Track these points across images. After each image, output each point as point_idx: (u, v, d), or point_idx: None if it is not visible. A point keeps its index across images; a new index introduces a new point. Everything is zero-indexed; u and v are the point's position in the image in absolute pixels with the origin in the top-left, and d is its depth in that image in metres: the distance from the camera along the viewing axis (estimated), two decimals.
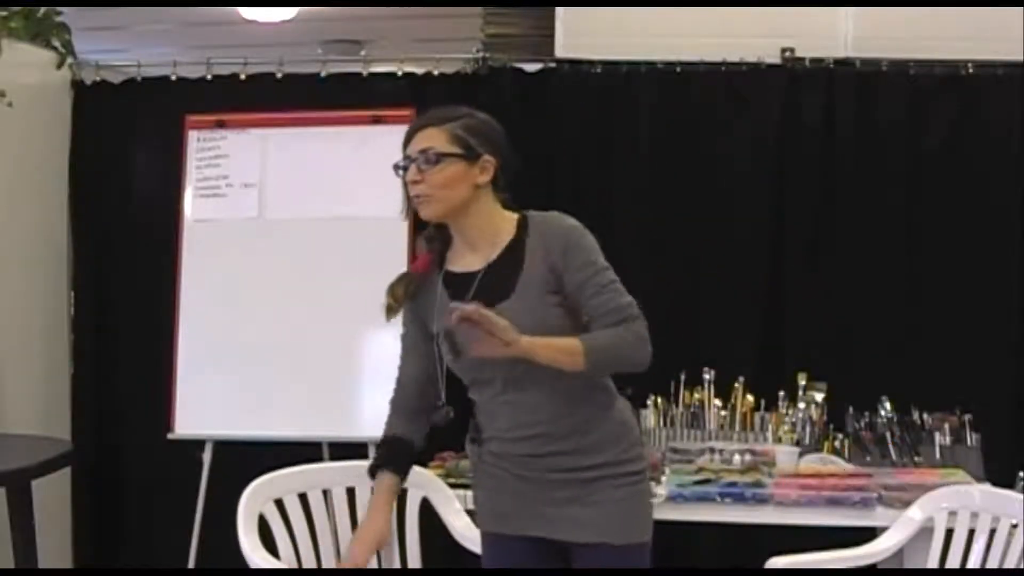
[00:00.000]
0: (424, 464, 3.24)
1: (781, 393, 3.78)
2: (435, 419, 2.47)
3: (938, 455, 3.59)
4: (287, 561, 2.78)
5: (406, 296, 2.42)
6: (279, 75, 4.33)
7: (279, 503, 2.84)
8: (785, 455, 3.45)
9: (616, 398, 2.42)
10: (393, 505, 2.51)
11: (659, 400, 3.73)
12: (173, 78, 4.37)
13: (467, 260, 2.40)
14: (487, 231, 2.37)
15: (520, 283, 2.31)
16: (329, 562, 2.91)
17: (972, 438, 3.62)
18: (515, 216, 2.39)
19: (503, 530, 2.43)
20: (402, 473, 2.51)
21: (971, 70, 4.01)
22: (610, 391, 2.41)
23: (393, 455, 2.51)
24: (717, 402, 3.76)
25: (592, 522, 2.31)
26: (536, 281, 2.30)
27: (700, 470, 3.38)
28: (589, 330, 2.29)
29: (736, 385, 3.77)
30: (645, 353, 2.31)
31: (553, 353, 2.23)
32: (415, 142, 2.36)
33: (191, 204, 4.11)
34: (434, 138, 2.34)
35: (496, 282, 2.32)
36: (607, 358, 2.28)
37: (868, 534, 3.14)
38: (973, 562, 2.93)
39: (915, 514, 3.05)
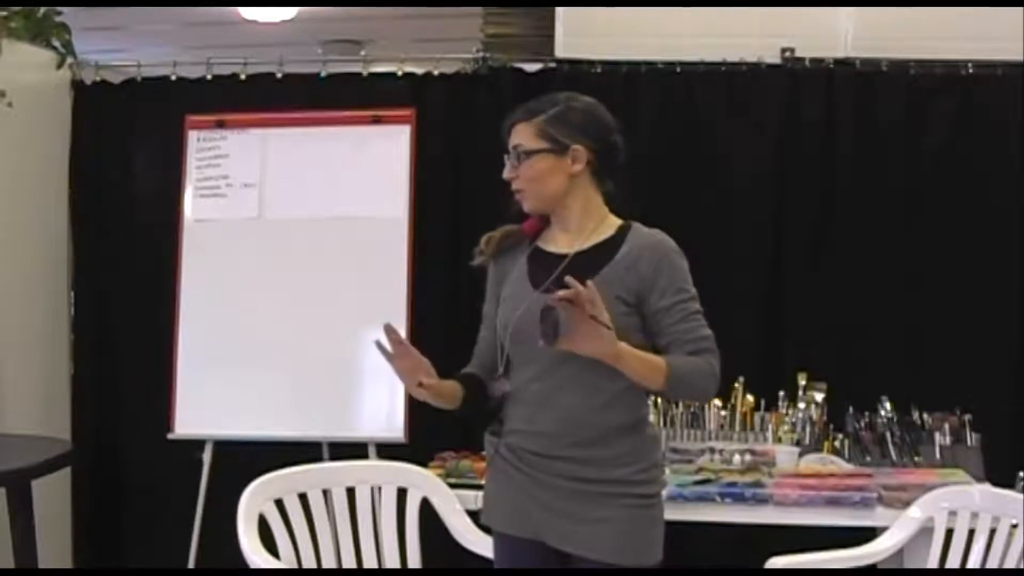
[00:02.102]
0: (424, 464, 3.25)
1: (781, 393, 3.78)
2: (494, 388, 2.46)
3: (938, 455, 3.59)
4: (287, 561, 2.78)
5: (498, 247, 2.46)
6: (279, 75, 4.33)
7: (279, 503, 2.84)
8: (785, 455, 3.45)
9: (645, 420, 2.40)
10: (446, 387, 2.39)
11: (659, 400, 3.73)
12: (173, 78, 4.38)
13: (559, 242, 2.42)
14: (585, 219, 2.39)
15: (599, 277, 2.30)
16: (329, 562, 2.91)
17: (972, 438, 3.61)
18: (619, 221, 2.41)
19: (509, 530, 2.43)
20: (466, 386, 2.43)
21: (971, 70, 4.01)
22: (639, 411, 2.38)
23: (460, 373, 2.48)
24: (717, 402, 3.75)
25: (591, 538, 2.30)
26: (613, 281, 2.30)
27: (700, 470, 3.38)
28: (661, 352, 2.29)
29: (736, 385, 3.77)
30: (715, 388, 2.33)
31: (639, 364, 2.23)
32: (510, 137, 2.38)
33: (191, 204, 4.11)
34: (523, 134, 2.36)
35: (578, 269, 2.32)
36: (684, 384, 2.28)
37: (868, 534, 3.14)
38: (973, 562, 2.93)
39: (915, 514, 3.06)
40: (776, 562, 2.96)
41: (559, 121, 2.35)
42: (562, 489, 2.32)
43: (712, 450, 3.53)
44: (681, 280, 2.34)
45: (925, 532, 3.02)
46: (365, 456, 3.83)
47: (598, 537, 2.29)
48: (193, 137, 4.15)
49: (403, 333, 3.78)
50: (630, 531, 2.31)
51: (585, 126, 2.36)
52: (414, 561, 2.98)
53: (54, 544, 4.18)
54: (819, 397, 3.73)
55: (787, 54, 4.14)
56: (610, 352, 2.16)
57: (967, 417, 3.65)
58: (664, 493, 3.15)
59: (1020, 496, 2.97)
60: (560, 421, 2.33)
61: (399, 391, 3.87)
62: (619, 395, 2.31)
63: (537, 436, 2.36)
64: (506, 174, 2.38)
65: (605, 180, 2.42)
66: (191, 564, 3.97)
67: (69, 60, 4.44)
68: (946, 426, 3.64)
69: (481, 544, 2.86)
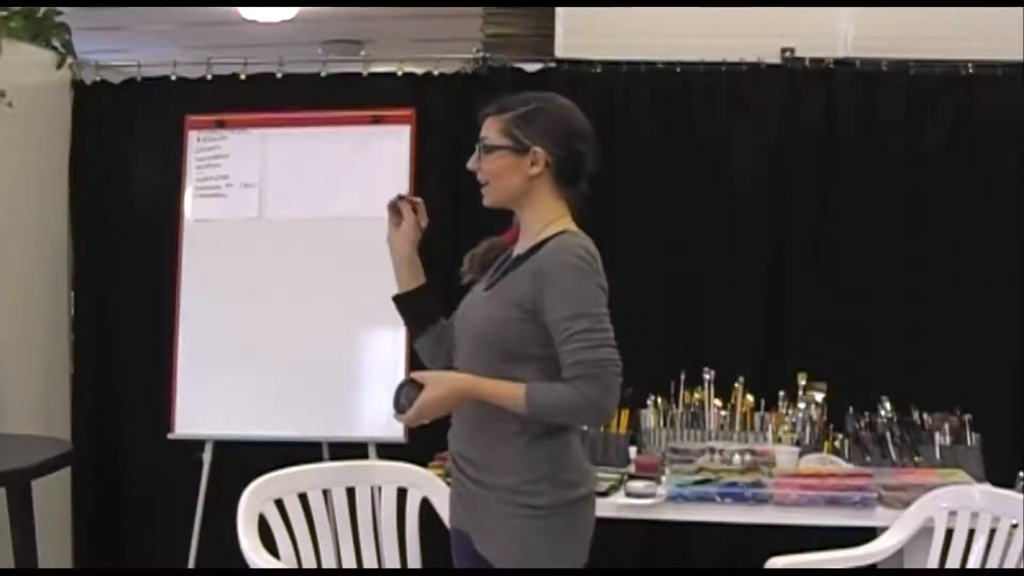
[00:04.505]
0: (424, 464, 3.25)
1: (781, 393, 3.77)
2: None
3: (938, 455, 3.58)
4: (287, 561, 2.78)
5: (482, 262, 2.47)
6: (279, 75, 4.34)
7: (279, 503, 2.84)
8: (785, 455, 3.44)
9: (548, 431, 2.29)
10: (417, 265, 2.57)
11: (659, 400, 3.73)
12: (173, 78, 4.38)
13: (519, 245, 2.42)
14: (536, 222, 2.37)
15: (504, 282, 2.33)
16: (329, 562, 2.91)
17: (972, 438, 3.61)
18: (561, 227, 2.35)
19: (452, 523, 2.46)
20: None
21: (971, 70, 4.01)
22: (533, 421, 2.27)
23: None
24: (717, 402, 3.75)
25: (486, 541, 2.31)
26: (512, 287, 2.30)
27: (700, 470, 3.38)
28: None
29: (736, 385, 3.76)
30: (596, 415, 2.30)
31: (494, 398, 2.26)
32: (482, 128, 2.39)
33: (191, 204, 4.11)
34: (490, 128, 2.36)
35: (504, 273, 2.36)
36: (549, 415, 2.25)
37: (868, 534, 3.14)
38: (973, 562, 2.93)
39: (915, 514, 3.05)
40: (776, 562, 2.96)
41: (525, 121, 2.33)
42: (470, 490, 2.35)
43: (712, 450, 3.52)
44: (565, 294, 2.22)
45: (925, 532, 3.02)
46: (365, 456, 3.83)
47: (491, 540, 2.31)
48: (193, 137, 4.15)
49: (403, 334, 3.83)
50: (516, 538, 2.28)
51: (550, 130, 2.33)
52: (414, 561, 2.97)
53: (54, 544, 4.18)
54: (819, 397, 3.73)
55: (787, 54, 4.14)
56: (464, 390, 2.26)
57: (967, 417, 3.64)
58: (664, 492, 3.19)
59: (1020, 496, 2.97)
60: (467, 424, 2.36)
61: None
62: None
63: (457, 436, 2.40)
64: (470, 164, 2.39)
65: (566, 186, 2.38)
66: (191, 564, 3.98)
67: (69, 60, 4.44)
68: (946, 426, 3.63)
69: None
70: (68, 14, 4.48)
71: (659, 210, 4.14)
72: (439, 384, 2.27)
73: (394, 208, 2.57)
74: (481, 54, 4.33)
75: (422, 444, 3.65)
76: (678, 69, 4.15)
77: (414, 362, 3.76)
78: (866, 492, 3.20)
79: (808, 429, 3.68)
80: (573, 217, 2.39)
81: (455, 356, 2.43)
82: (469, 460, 2.36)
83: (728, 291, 4.10)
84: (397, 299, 2.58)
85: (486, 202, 2.40)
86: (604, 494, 3.12)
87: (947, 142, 4.04)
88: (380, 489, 3.03)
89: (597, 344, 2.21)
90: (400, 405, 2.28)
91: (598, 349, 2.21)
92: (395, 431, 3.87)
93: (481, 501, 2.33)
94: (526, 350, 2.26)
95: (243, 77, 4.34)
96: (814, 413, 3.71)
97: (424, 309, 2.53)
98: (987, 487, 3.21)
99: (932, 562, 2.96)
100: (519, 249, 2.40)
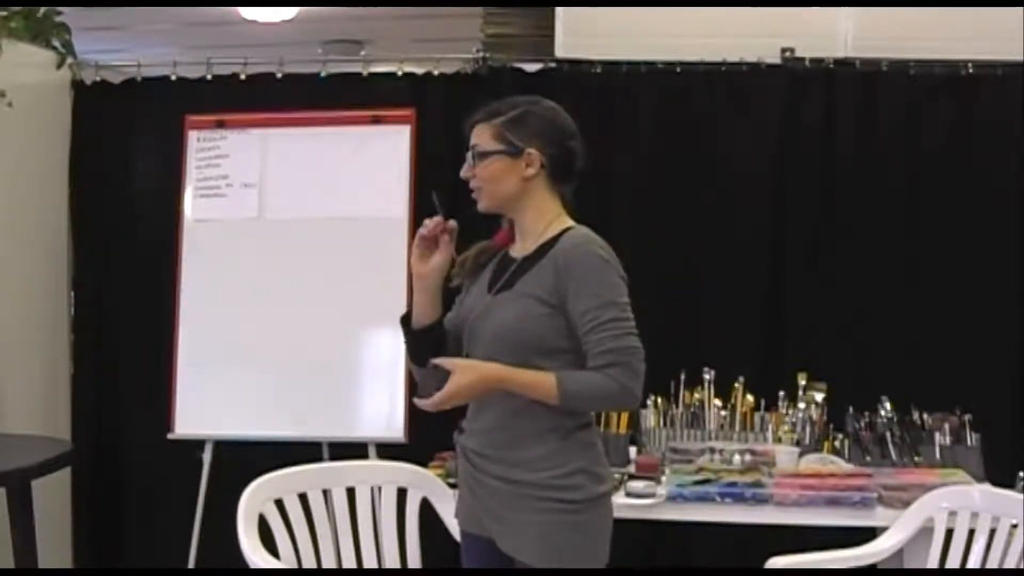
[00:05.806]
0: (424, 464, 3.25)
1: (781, 393, 3.77)
2: None
3: (938, 455, 3.59)
4: (287, 561, 2.78)
5: (474, 264, 2.48)
6: (279, 75, 4.34)
7: (279, 503, 2.84)
8: (785, 455, 3.45)
9: (575, 426, 2.35)
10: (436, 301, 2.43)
11: (659, 400, 3.73)
12: (173, 78, 4.38)
13: (518, 247, 2.45)
14: (537, 223, 2.40)
15: (523, 281, 2.35)
16: (329, 562, 2.91)
17: (972, 438, 3.61)
18: (565, 224, 2.40)
19: (466, 527, 2.47)
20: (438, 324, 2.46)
21: (971, 70, 4.01)
22: (563, 417, 2.32)
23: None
24: (717, 402, 3.75)
25: (516, 540, 2.32)
26: (535, 286, 2.32)
27: (700, 470, 3.38)
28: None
29: (736, 385, 3.77)
30: (627, 402, 2.31)
31: (524, 388, 2.27)
32: (471, 136, 2.41)
33: (191, 204, 4.11)
34: (481, 134, 2.39)
35: (516, 273, 2.37)
36: (580, 401, 2.29)
37: (868, 534, 3.14)
38: (973, 562, 2.93)
39: (915, 514, 3.05)
40: (776, 562, 2.96)
41: (516, 124, 2.37)
42: (494, 488, 2.35)
43: (712, 450, 3.52)
44: (596, 287, 2.28)
45: (925, 532, 3.02)
46: (365, 456, 3.83)
47: (521, 539, 2.31)
48: (193, 137, 4.15)
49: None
50: (549, 535, 2.29)
51: (541, 131, 2.38)
52: (414, 561, 2.98)
53: (54, 544, 4.18)
54: (819, 397, 3.73)
55: (787, 54, 4.14)
56: (494, 376, 2.26)
57: (967, 417, 3.65)
58: (664, 492, 3.19)
59: (1020, 496, 2.97)
60: (490, 421, 2.37)
61: (399, 391, 3.88)
62: (527, 402, 2.30)
63: (476, 435, 2.41)
64: (463, 173, 2.41)
65: (560, 184, 2.43)
66: (191, 564, 3.98)
67: (69, 60, 4.44)
68: (946, 426, 3.63)
69: None
70: (68, 14, 4.47)
71: (659, 210, 4.14)
72: (469, 371, 2.28)
73: (431, 238, 2.40)
74: (481, 54, 4.33)
75: (422, 444, 3.66)
76: (678, 69, 4.15)
77: None
78: (866, 492, 3.20)
79: (808, 429, 3.68)
80: (568, 214, 2.43)
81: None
82: (488, 457, 2.36)
83: (728, 291, 4.10)
84: (410, 329, 2.45)
85: (481, 207, 2.42)
86: None
87: (947, 142, 4.04)
88: (380, 489, 3.03)
89: (624, 332, 2.27)
90: (424, 391, 2.27)
91: (626, 337, 2.27)
92: (395, 431, 3.88)
93: (506, 498, 2.33)
94: (557, 344, 2.30)
95: (243, 77, 4.33)
96: (814, 413, 3.71)
97: (433, 344, 2.44)
98: (987, 487, 3.21)
99: (932, 562, 2.96)
100: (521, 251, 2.42)
